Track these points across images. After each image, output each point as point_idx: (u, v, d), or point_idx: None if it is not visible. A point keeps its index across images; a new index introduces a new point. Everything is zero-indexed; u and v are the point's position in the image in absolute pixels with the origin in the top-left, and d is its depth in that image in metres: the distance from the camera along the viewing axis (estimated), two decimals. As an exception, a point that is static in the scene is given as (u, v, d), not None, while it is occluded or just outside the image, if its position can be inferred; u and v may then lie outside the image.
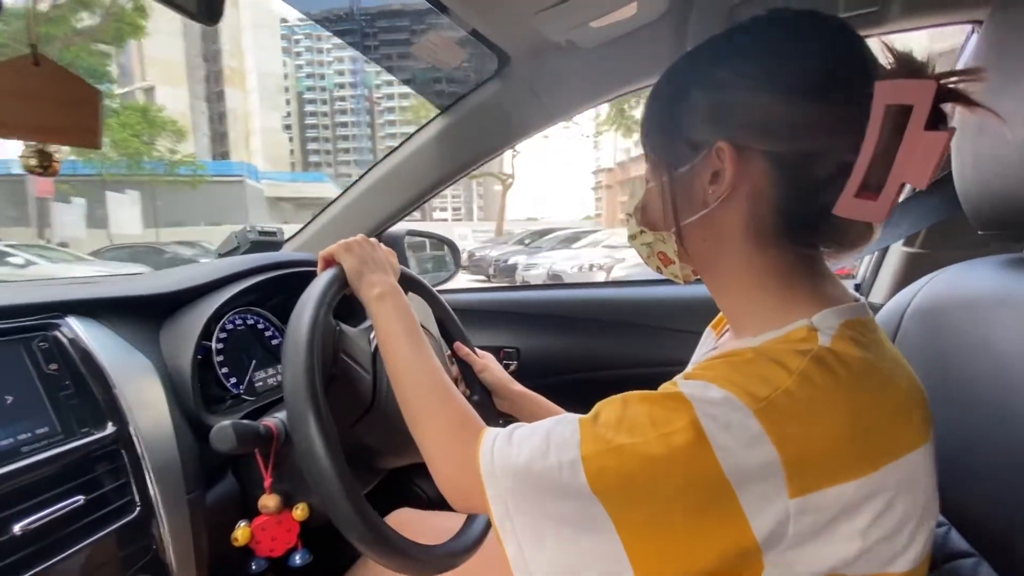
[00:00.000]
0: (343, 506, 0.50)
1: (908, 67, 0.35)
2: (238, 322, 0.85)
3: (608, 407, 0.40)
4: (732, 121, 0.41)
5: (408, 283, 0.75)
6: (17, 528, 0.45)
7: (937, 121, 0.34)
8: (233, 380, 0.81)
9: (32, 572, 0.45)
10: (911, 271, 0.90)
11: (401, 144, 1.08)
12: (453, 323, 0.84)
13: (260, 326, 0.90)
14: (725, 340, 0.56)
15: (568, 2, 0.69)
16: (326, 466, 0.50)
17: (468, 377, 0.82)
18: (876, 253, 1.03)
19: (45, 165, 0.43)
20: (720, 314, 0.66)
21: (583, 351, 1.15)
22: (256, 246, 1.14)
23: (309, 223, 1.23)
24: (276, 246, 1.19)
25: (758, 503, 0.34)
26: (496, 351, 1.22)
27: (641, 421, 0.37)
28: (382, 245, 0.69)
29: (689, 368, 0.56)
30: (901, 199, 0.76)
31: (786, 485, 0.33)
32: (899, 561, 0.37)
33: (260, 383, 0.86)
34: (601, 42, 0.84)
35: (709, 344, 0.62)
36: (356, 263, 0.63)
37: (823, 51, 0.39)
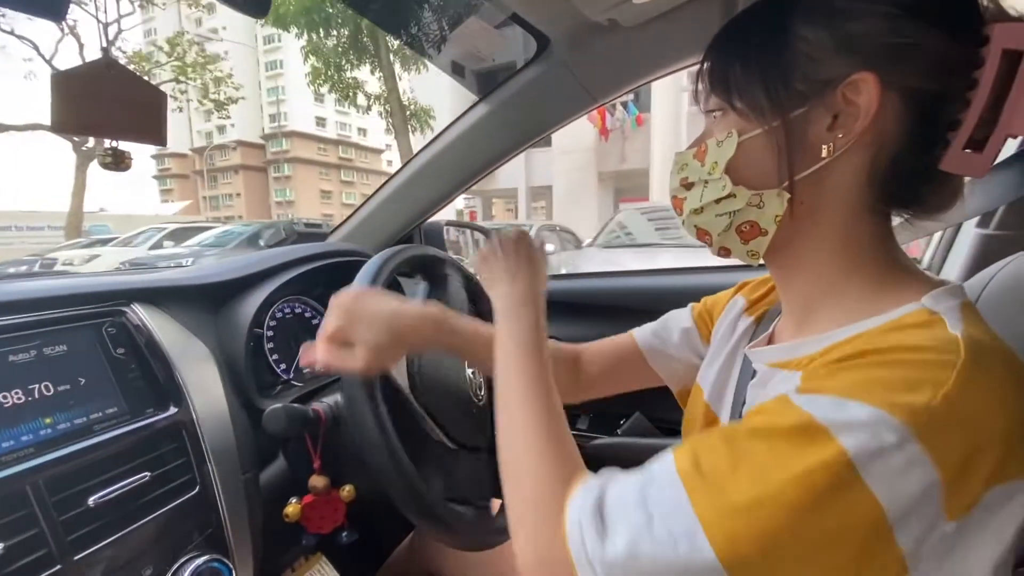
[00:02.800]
0: (398, 480, 0.51)
1: (1005, 14, 0.33)
2: (287, 310, 0.88)
3: (708, 451, 0.33)
4: (872, 50, 0.36)
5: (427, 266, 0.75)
6: (91, 500, 0.48)
7: None
8: (283, 366, 0.84)
9: (104, 542, 0.48)
10: (986, 253, 0.83)
11: (441, 133, 1.08)
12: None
13: (307, 314, 0.93)
14: (782, 327, 0.50)
15: (611, -23, 0.67)
16: (380, 442, 0.52)
17: None
18: (946, 233, 0.95)
19: (119, 161, 0.46)
20: (749, 281, 0.61)
21: (591, 337, 1.13)
22: (303, 237, 1.18)
23: (352, 215, 1.25)
24: (321, 237, 1.23)
25: (916, 534, 0.29)
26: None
27: (765, 462, 0.30)
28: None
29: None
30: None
31: (944, 508, 0.29)
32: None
33: (307, 369, 0.89)
34: (644, 19, 0.80)
35: (741, 320, 0.56)
36: (499, 271, 0.56)
37: None
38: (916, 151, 0.37)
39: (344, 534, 0.74)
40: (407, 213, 1.20)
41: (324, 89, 12.65)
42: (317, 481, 0.69)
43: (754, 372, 0.48)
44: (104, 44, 0.44)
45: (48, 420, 0.50)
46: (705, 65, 0.44)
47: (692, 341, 0.66)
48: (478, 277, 0.58)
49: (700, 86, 0.45)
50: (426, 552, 0.91)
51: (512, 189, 16.84)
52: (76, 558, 0.46)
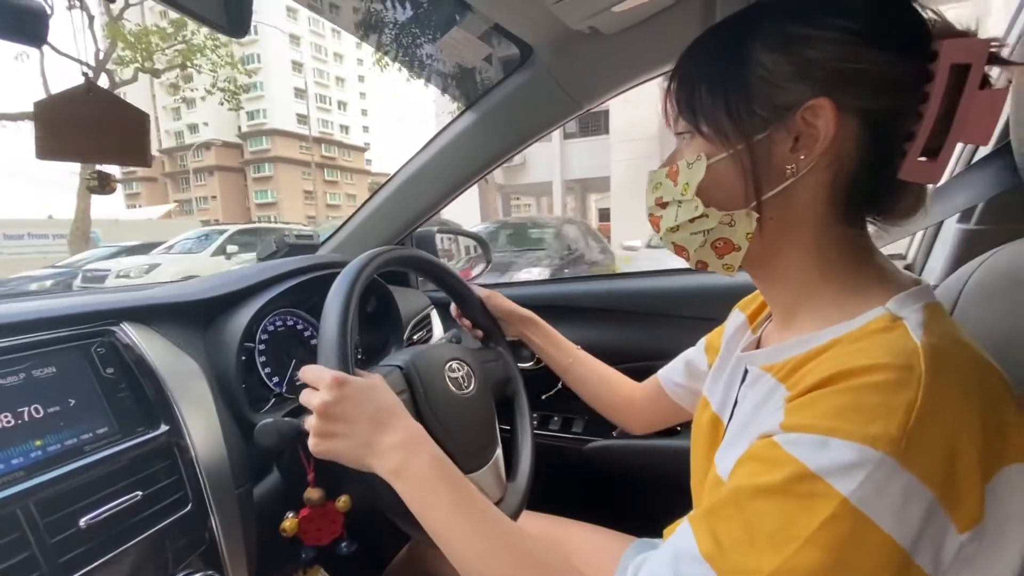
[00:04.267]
0: (388, 490, 0.51)
1: (953, 29, 0.35)
2: (279, 323, 0.88)
3: (724, 523, 0.34)
4: (827, 76, 0.38)
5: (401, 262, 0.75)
6: (83, 522, 0.49)
7: (983, 84, 0.34)
8: (275, 379, 0.84)
9: (97, 563, 0.48)
10: (968, 248, 0.84)
11: (430, 141, 1.09)
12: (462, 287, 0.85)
13: (299, 327, 0.93)
14: (769, 331, 0.53)
15: (589, -13, 0.68)
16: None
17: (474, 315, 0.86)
18: (928, 230, 0.97)
19: (104, 184, 0.46)
20: (747, 297, 0.63)
21: (601, 341, 1.14)
22: (294, 249, 1.18)
23: (343, 225, 1.26)
24: (313, 249, 1.23)
25: (931, 554, 0.31)
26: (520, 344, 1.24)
27: (777, 526, 0.32)
28: (353, 380, 0.52)
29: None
30: (956, 171, 0.72)
31: (952, 521, 0.30)
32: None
33: (300, 382, 0.89)
34: (624, 27, 0.82)
35: (743, 334, 0.59)
36: (348, 448, 0.50)
37: (894, 7, 0.38)
38: (875, 165, 0.39)
39: (343, 545, 0.75)
40: (397, 221, 1.21)
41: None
42: (312, 494, 0.69)
43: (746, 373, 0.50)
44: (84, 70, 0.44)
45: (38, 442, 0.50)
46: (672, 86, 0.46)
47: (696, 370, 0.71)
48: (326, 457, 0.51)
49: (668, 107, 0.46)
50: (426, 559, 0.91)
51: (545, 183, 16.02)
52: None
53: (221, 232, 7.70)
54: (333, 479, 0.71)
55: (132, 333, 0.61)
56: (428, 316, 1.26)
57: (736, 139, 0.41)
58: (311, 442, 0.51)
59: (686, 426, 1.14)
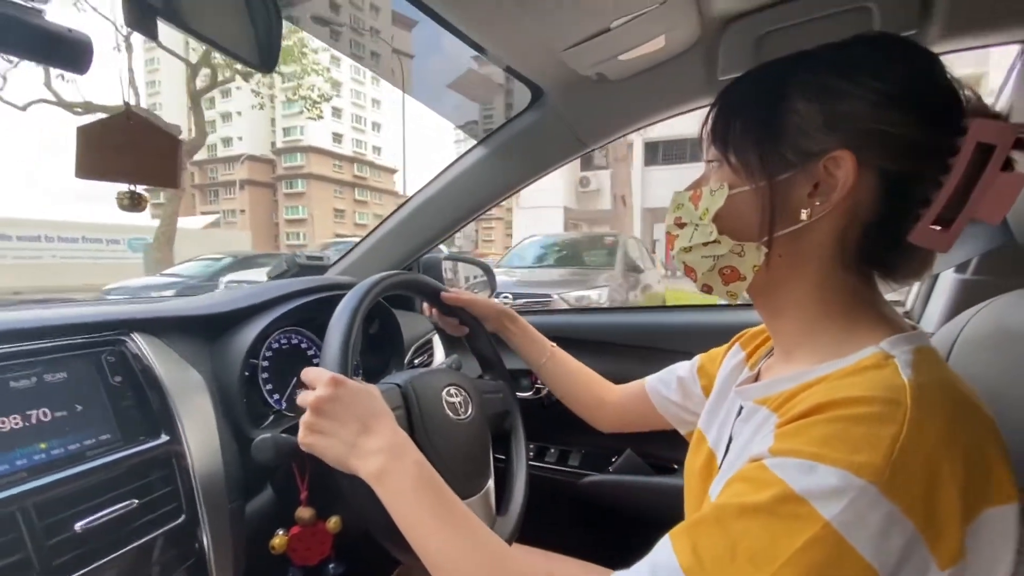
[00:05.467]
0: (377, 512, 0.52)
1: (986, 109, 0.37)
2: (283, 341, 0.90)
3: (705, 539, 0.35)
4: (854, 131, 0.40)
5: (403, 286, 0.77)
6: (78, 526, 0.50)
7: (1005, 166, 0.36)
8: (276, 396, 0.85)
9: (88, 568, 0.49)
10: (964, 298, 0.85)
11: (441, 173, 1.13)
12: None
13: (303, 345, 0.95)
14: (768, 365, 0.54)
15: (594, 39, 0.72)
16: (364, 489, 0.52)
17: (463, 316, 0.87)
18: (926, 279, 0.98)
19: (135, 203, 0.50)
20: (745, 332, 0.65)
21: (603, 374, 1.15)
22: (304, 269, 1.21)
23: (352, 249, 1.29)
24: (322, 270, 1.26)
25: None
26: (522, 373, 1.24)
27: (760, 546, 0.32)
28: (349, 383, 0.54)
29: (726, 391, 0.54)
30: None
31: (932, 555, 0.31)
32: None
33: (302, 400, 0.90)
34: (630, 74, 0.86)
35: (741, 370, 0.60)
36: (332, 445, 0.50)
37: (932, 78, 0.40)
38: (887, 223, 0.40)
39: (331, 567, 0.74)
40: (405, 247, 1.24)
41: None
42: (304, 512, 0.69)
43: (740, 409, 0.51)
44: (125, 97, 0.48)
45: (43, 445, 0.51)
46: (710, 115, 0.48)
47: (688, 389, 0.72)
48: (311, 451, 0.52)
49: (704, 135, 0.49)
50: None
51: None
52: None
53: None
54: (325, 500, 0.72)
55: (142, 343, 0.63)
56: (430, 340, 1.27)
57: (760, 176, 0.43)
58: (300, 434, 0.52)
59: (682, 463, 1.14)
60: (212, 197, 47.71)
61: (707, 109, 0.50)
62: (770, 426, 0.39)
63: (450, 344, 1.28)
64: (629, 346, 1.17)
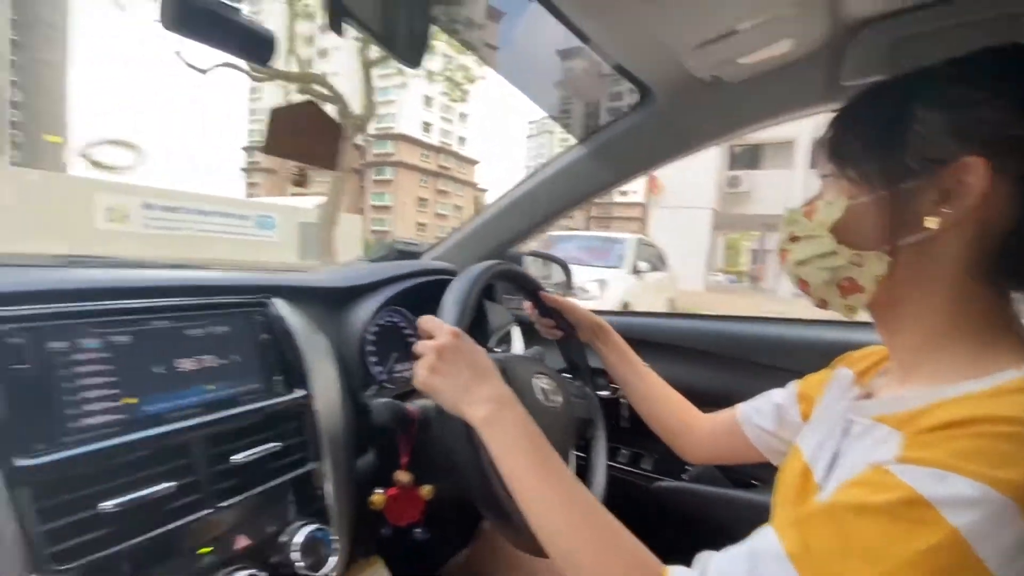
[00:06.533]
0: (482, 482, 0.56)
1: None
2: (385, 319, 0.97)
3: (816, 530, 0.34)
4: (987, 139, 0.39)
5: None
6: (233, 459, 0.57)
7: None
8: (378, 368, 0.92)
9: (238, 498, 0.57)
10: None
11: (539, 169, 1.16)
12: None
13: (400, 324, 1.02)
14: (883, 384, 0.51)
15: (720, 40, 0.72)
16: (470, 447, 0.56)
17: (559, 320, 0.88)
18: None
19: (302, 180, 0.57)
20: (848, 354, 0.62)
21: (695, 384, 1.13)
22: (401, 255, 1.30)
23: (447, 237, 1.36)
24: (417, 255, 1.34)
25: None
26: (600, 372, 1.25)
27: (877, 544, 0.32)
28: (466, 336, 0.58)
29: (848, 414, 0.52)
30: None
31: None
32: None
33: (398, 374, 0.97)
34: (747, 76, 0.85)
35: (850, 389, 0.57)
36: (449, 387, 0.54)
37: None
38: None
39: (418, 531, 0.80)
40: (496, 240, 1.29)
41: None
42: (402, 476, 0.75)
43: (851, 425, 0.49)
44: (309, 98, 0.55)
45: (210, 387, 0.59)
46: (827, 132, 0.48)
47: (785, 417, 0.69)
48: (428, 395, 0.56)
49: (817, 150, 0.49)
50: (484, 567, 0.94)
51: (773, 217, 13.77)
52: (220, 505, 0.55)
53: (616, 241, 6.59)
54: (422, 468, 0.77)
55: (282, 307, 0.71)
56: (509, 332, 1.32)
57: (881, 185, 0.42)
58: (418, 373, 0.56)
59: (762, 480, 1.10)
60: (303, 180, 50.06)
61: (823, 116, 0.49)
62: (895, 440, 0.38)
63: (530, 339, 1.31)
64: (717, 355, 1.15)
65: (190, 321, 0.60)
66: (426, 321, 0.59)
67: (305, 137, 0.54)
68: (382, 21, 0.52)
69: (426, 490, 0.77)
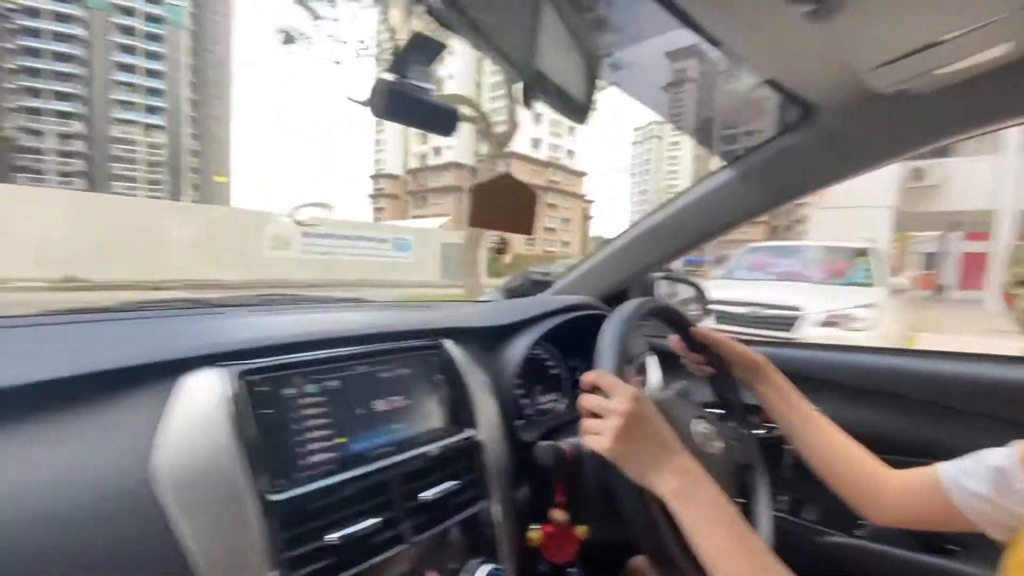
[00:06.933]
0: (653, 539, 0.55)
1: None
2: (531, 354, 1.00)
3: None
4: None
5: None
6: (421, 496, 0.62)
7: None
8: (525, 401, 0.95)
9: (428, 533, 0.61)
10: None
11: (680, 194, 1.12)
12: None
13: (543, 356, 1.04)
14: None
15: (915, 55, 0.64)
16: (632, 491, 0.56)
17: (710, 356, 0.83)
18: None
19: (502, 249, 0.61)
20: None
21: (870, 430, 1.00)
22: (536, 285, 1.33)
23: (577, 265, 1.37)
24: (548, 285, 1.36)
25: None
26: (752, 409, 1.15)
27: None
28: (646, 400, 0.58)
29: None
30: None
31: None
32: None
33: (543, 406, 0.99)
34: (942, 87, 0.74)
35: None
36: (637, 458, 0.54)
37: None
38: None
39: (573, 570, 0.80)
40: (630, 267, 1.26)
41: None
42: (559, 514, 0.75)
43: None
44: (504, 170, 0.60)
45: (398, 426, 0.65)
46: None
47: (1008, 483, 0.58)
48: (613, 458, 0.55)
49: None
50: None
51: (970, 213, 11.54)
52: (415, 540, 0.59)
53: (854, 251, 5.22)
54: (576, 506, 0.77)
55: (452, 348, 0.76)
56: (644, 362, 1.28)
57: None
58: (600, 440, 0.55)
59: (962, 545, 0.94)
60: (421, 203, 53.43)
61: None
62: None
63: (667, 368, 1.26)
64: (897, 395, 1.01)
65: (383, 365, 0.66)
66: (600, 377, 0.60)
67: (505, 208, 0.58)
68: (559, 91, 0.54)
69: (582, 530, 0.77)
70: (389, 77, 0.54)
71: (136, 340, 0.60)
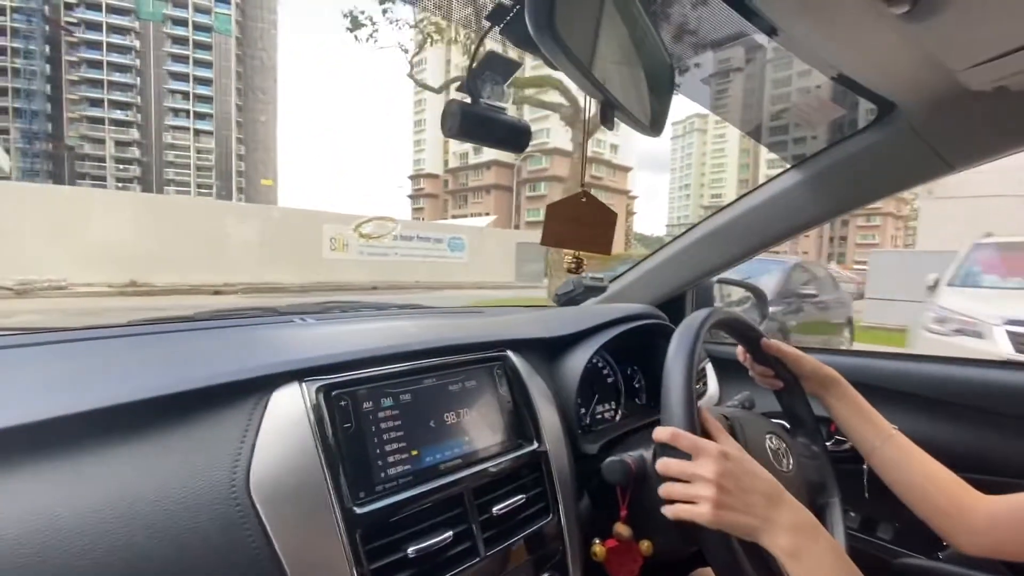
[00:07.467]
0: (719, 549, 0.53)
1: None
2: (590, 363, 0.99)
3: None
4: None
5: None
6: (495, 510, 0.62)
7: None
8: (582, 411, 0.94)
9: (500, 547, 0.61)
10: None
11: (742, 196, 1.08)
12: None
13: (600, 365, 1.03)
14: None
15: (1021, 51, 0.59)
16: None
17: (779, 370, 0.80)
18: None
19: (577, 267, 0.61)
20: None
21: (947, 447, 0.93)
22: (588, 291, 1.31)
23: (630, 270, 1.34)
24: (602, 290, 1.34)
25: None
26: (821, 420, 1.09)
27: None
28: (732, 451, 0.56)
29: None
30: None
31: None
32: None
33: (599, 415, 0.98)
34: (1046, 80, 0.68)
35: None
36: (744, 521, 0.52)
37: None
38: None
39: None
40: (689, 273, 1.23)
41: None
42: (622, 529, 0.74)
43: None
44: (582, 181, 0.59)
45: (466, 438, 0.66)
46: None
47: None
48: (721, 527, 0.52)
49: None
50: None
51: None
52: (489, 553, 0.60)
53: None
54: (640, 521, 0.76)
55: (516, 360, 0.76)
56: (704, 370, 1.24)
57: None
58: (699, 511, 0.52)
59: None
60: (461, 202, 53.20)
61: None
62: None
63: (730, 375, 1.22)
64: (980, 410, 0.94)
65: (450, 378, 0.67)
66: (676, 439, 0.55)
67: (581, 226, 0.58)
68: (637, 106, 0.53)
69: (645, 546, 0.76)
70: (462, 97, 0.54)
71: (223, 354, 0.63)
